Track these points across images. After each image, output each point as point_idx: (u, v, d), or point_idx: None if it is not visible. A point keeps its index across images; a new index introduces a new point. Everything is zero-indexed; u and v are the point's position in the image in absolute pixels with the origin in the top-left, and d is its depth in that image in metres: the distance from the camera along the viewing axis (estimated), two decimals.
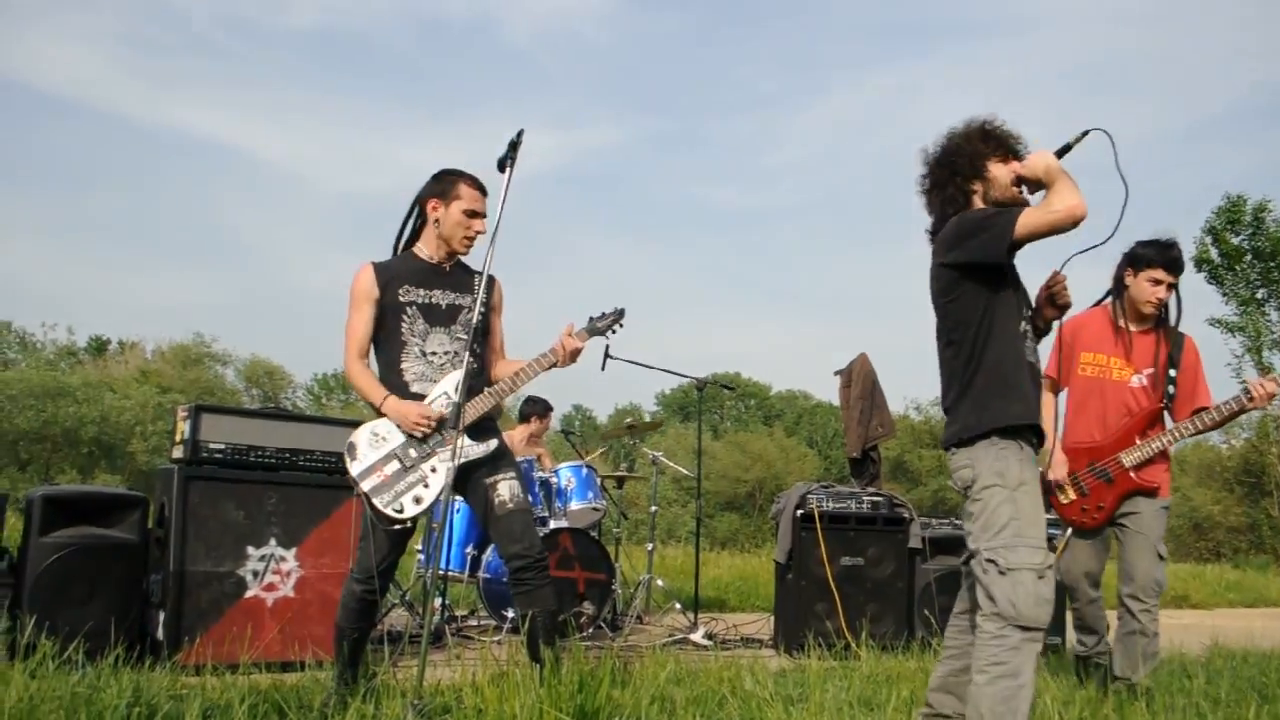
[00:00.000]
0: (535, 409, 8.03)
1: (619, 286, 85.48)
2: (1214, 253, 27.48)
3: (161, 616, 4.56)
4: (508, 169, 3.72)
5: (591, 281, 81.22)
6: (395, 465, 3.74)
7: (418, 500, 3.71)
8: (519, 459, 6.57)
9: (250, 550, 4.78)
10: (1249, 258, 27.07)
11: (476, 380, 3.83)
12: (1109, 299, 4.60)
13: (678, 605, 7.43)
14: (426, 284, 3.91)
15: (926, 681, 3.21)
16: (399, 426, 3.76)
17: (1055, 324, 3.47)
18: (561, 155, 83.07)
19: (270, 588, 4.80)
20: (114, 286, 68.07)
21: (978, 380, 3.21)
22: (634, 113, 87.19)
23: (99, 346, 44.79)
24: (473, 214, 3.90)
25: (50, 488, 4.65)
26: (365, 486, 3.69)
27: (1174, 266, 4.39)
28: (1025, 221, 3.06)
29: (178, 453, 4.88)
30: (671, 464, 8.60)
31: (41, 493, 4.56)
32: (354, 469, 3.72)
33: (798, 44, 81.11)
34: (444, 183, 3.92)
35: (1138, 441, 4.38)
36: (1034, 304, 3.40)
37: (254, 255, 74.94)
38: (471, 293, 3.96)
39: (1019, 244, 3.11)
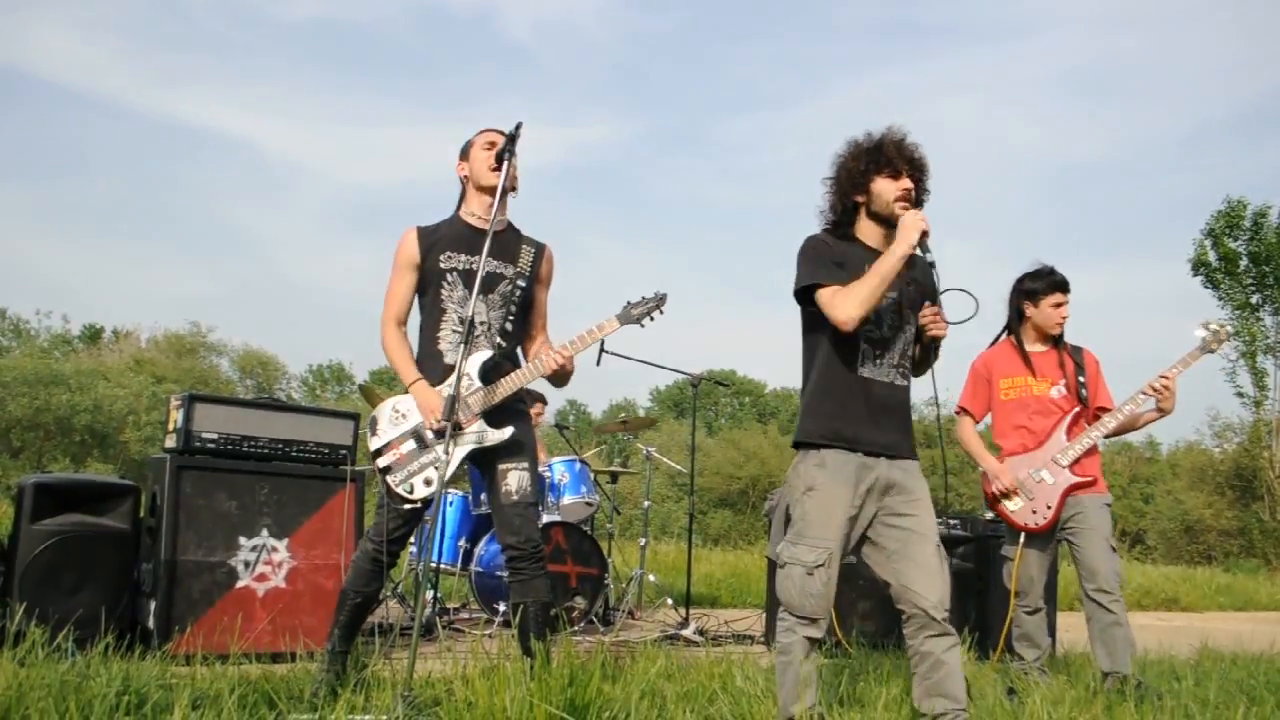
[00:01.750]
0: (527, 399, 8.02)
1: (615, 282, 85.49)
2: (1212, 256, 27.51)
3: (152, 605, 4.55)
4: (505, 161, 3.72)
5: (588, 277, 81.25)
6: (411, 444, 3.77)
7: (428, 482, 3.72)
8: None
9: (242, 540, 4.78)
10: (1245, 263, 27.11)
11: (509, 359, 3.89)
12: (1007, 334, 4.99)
13: (670, 601, 7.44)
14: (470, 249, 3.85)
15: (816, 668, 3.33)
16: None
17: (931, 350, 3.54)
18: (560, 151, 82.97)
19: (261, 578, 4.79)
20: (110, 275, 67.90)
21: (807, 389, 3.48)
22: (633, 109, 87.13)
23: (93, 334, 44.66)
24: (491, 144, 3.88)
25: (41, 475, 4.64)
26: (380, 463, 3.75)
27: (1065, 287, 4.81)
28: (821, 297, 3.30)
29: (170, 442, 4.87)
30: (665, 460, 8.61)
31: (33, 480, 4.55)
32: (373, 444, 3.77)
33: (798, 43, 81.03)
34: (463, 147, 3.97)
35: (1067, 441, 4.66)
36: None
37: (251, 245, 74.73)
38: (515, 263, 3.93)
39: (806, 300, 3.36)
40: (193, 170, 71.62)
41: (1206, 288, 27.76)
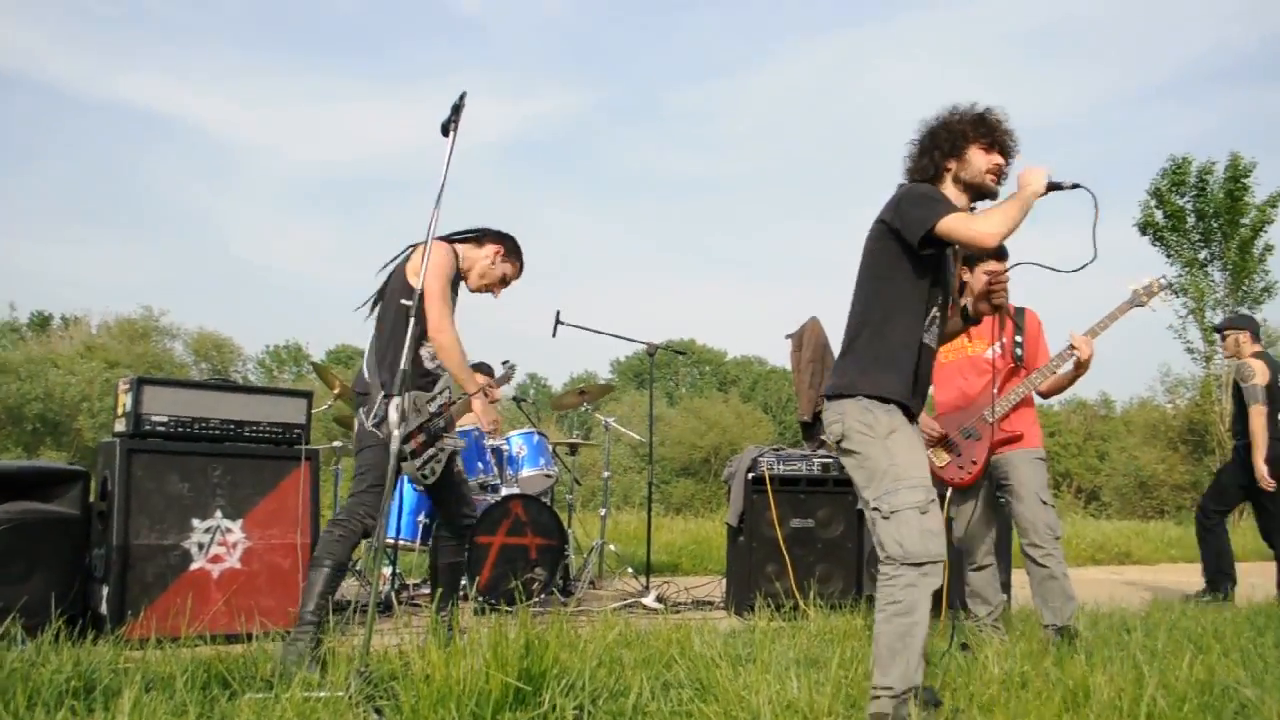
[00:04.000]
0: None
1: (572, 255, 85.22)
2: (1158, 215, 27.79)
3: (105, 591, 4.50)
4: (451, 132, 3.69)
5: (545, 250, 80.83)
6: (424, 436, 4.22)
7: (434, 471, 4.25)
8: (469, 427, 6.58)
9: (196, 522, 4.73)
10: (1192, 219, 27.41)
11: None
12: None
13: (630, 570, 7.46)
14: None
15: (870, 638, 3.27)
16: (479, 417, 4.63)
17: (974, 320, 3.68)
18: (514, 123, 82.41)
19: (216, 559, 4.75)
20: (57, 261, 66.76)
21: (864, 340, 3.38)
22: (587, 80, 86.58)
23: (42, 322, 43.92)
24: (504, 281, 4.64)
25: None
26: (406, 448, 4.11)
27: (1002, 255, 4.75)
28: (948, 222, 3.20)
29: (120, 426, 4.81)
30: (624, 430, 8.62)
31: None
32: (402, 430, 3.82)
33: (751, 11, 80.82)
34: (511, 250, 4.63)
35: (997, 398, 4.69)
36: (974, 294, 3.51)
37: (203, 227, 73.78)
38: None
39: (935, 239, 3.24)
40: (140, 153, 70.53)
41: (1155, 246, 28.08)
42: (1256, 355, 7.03)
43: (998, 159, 3.46)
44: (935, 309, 3.42)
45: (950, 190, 3.48)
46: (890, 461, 3.22)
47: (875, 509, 3.20)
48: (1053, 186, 3.32)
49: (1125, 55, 66.61)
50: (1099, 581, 7.72)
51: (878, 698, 3.02)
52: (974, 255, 4.86)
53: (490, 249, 4.54)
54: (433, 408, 4.26)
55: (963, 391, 4.82)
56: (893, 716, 2.99)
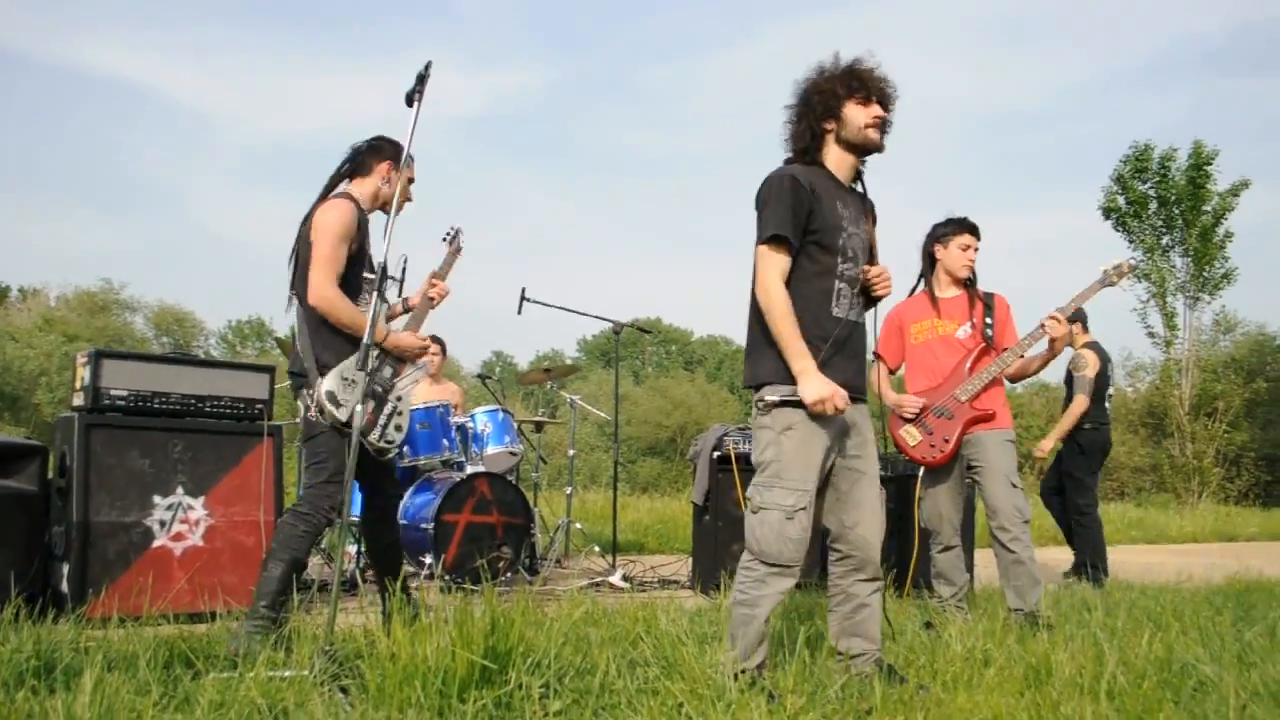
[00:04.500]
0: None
1: (539, 231, 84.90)
2: (1121, 201, 28.07)
3: (65, 569, 4.44)
4: (415, 103, 3.64)
5: (512, 226, 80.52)
6: (372, 403, 4.03)
7: (398, 428, 4.11)
8: (435, 403, 6.54)
9: (157, 499, 4.68)
10: (1154, 205, 27.72)
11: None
12: (920, 285, 5.08)
13: (596, 548, 7.47)
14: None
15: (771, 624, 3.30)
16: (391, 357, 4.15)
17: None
18: (481, 97, 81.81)
19: (178, 537, 4.70)
20: (13, 232, 65.61)
21: (760, 329, 3.35)
22: (555, 56, 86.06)
23: None
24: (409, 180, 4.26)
25: None
26: (362, 428, 3.77)
27: (975, 231, 4.91)
28: (763, 253, 3.28)
29: (78, 400, 4.73)
30: (590, 408, 8.62)
31: None
32: (343, 414, 3.82)
33: None
34: (398, 157, 4.21)
35: (969, 377, 4.72)
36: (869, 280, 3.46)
37: (164, 198, 72.83)
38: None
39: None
40: (102, 122, 69.42)
41: (1117, 231, 28.38)
42: (1089, 346, 7.30)
43: (876, 110, 3.36)
44: (842, 282, 3.35)
45: (834, 153, 3.43)
46: (774, 457, 3.25)
47: (748, 498, 3.28)
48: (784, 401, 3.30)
49: (1092, 43, 67.10)
50: (1061, 562, 7.82)
51: (712, 677, 3.10)
52: (947, 232, 4.88)
53: (379, 169, 4.21)
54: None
55: (934, 370, 4.82)
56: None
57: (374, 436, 4.01)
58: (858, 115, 3.36)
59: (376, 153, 4.23)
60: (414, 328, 4.32)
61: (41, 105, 67.98)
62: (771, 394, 3.27)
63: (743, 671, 3.13)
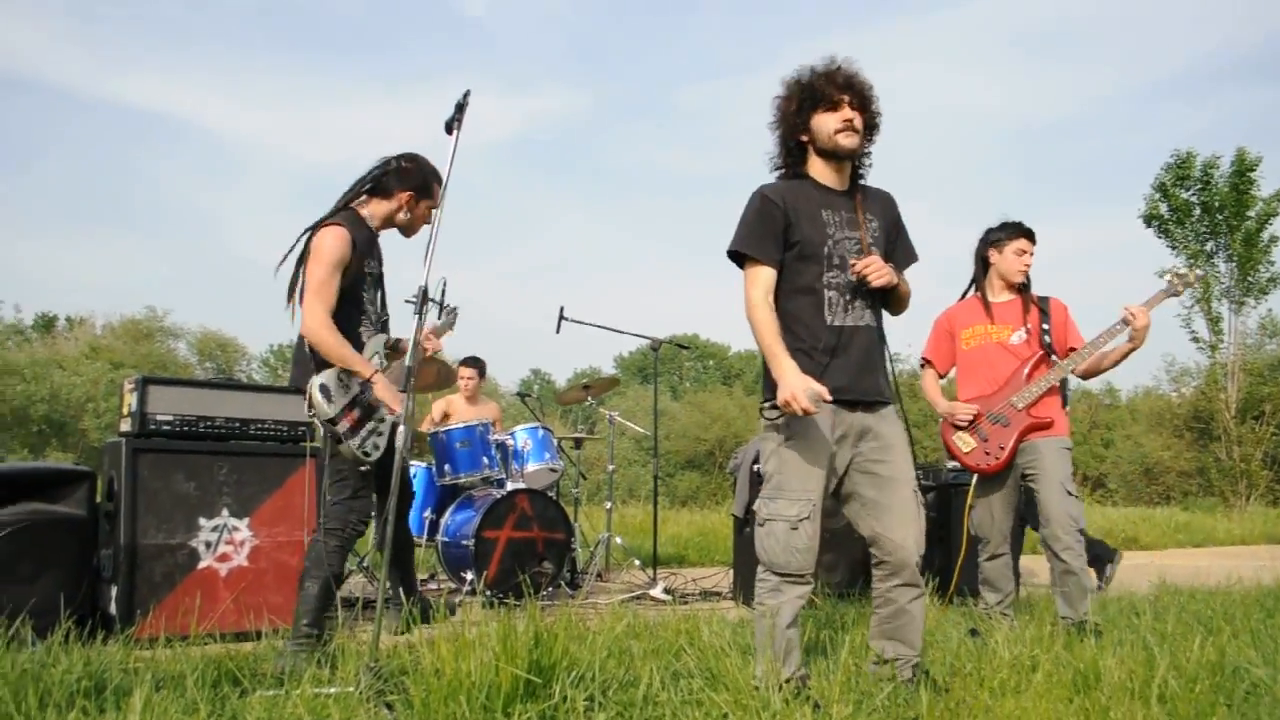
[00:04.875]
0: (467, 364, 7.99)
1: (576, 252, 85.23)
2: (1163, 208, 27.82)
3: (113, 591, 4.50)
4: (454, 131, 3.67)
5: (549, 247, 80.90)
6: (359, 411, 3.99)
7: (377, 446, 4.01)
8: (475, 421, 6.58)
9: (202, 521, 4.73)
10: (1197, 212, 27.44)
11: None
12: (973, 289, 4.99)
13: (637, 562, 7.46)
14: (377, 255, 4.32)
15: (801, 631, 3.30)
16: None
17: (888, 296, 3.49)
18: (517, 121, 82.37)
19: (224, 558, 4.76)
20: (61, 263, 66.75)
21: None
22: (591, 79, 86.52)
23: (46, 324, 43.90)
24: (430, 208, 4.34)
25: None
26: (339, 429, 3.90)
27: (1031, 236, 4.81)
28: (743, 259, 3.38)
29: (125, 425, 4.81)
30: (629, 424, 8.62)
31: None
32: (331, 410, 3.87)
33: (754, 9, 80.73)
34: (423, 185, 4.30)
35: (1026, 384, 4.62)
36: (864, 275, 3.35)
37: (207, 227, 73.82)
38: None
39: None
40: (143, 154, 70.58)
41: (1160, 238, 28.11)
42: None
43: (845, 113, 3.32)
44: (831, 291, 3.33)
45: (817, 163, 3.42)
46: (776, 468, 3.28)
47: (754, 510, 3.29)
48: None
49: (1130, 53, 66.40)
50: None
51: (756, 688, 3.08)
52: (1002, 236, 4.79)
53: (399, 198, 4.26)
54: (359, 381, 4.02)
55: (989, 378, 4.74)
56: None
57: (354, 443, 3.93)
58: (826, 123, 3.35)
59: (403, 180, 4.24)
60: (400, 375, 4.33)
61: (88, 138, 69.24)
62: (766, 407, 3.33)
63: (787, 681, 3.12)
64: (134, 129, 70.96)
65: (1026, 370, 4.66)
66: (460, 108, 3.67)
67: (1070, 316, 4.83)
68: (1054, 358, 4.71)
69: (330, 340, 3.94)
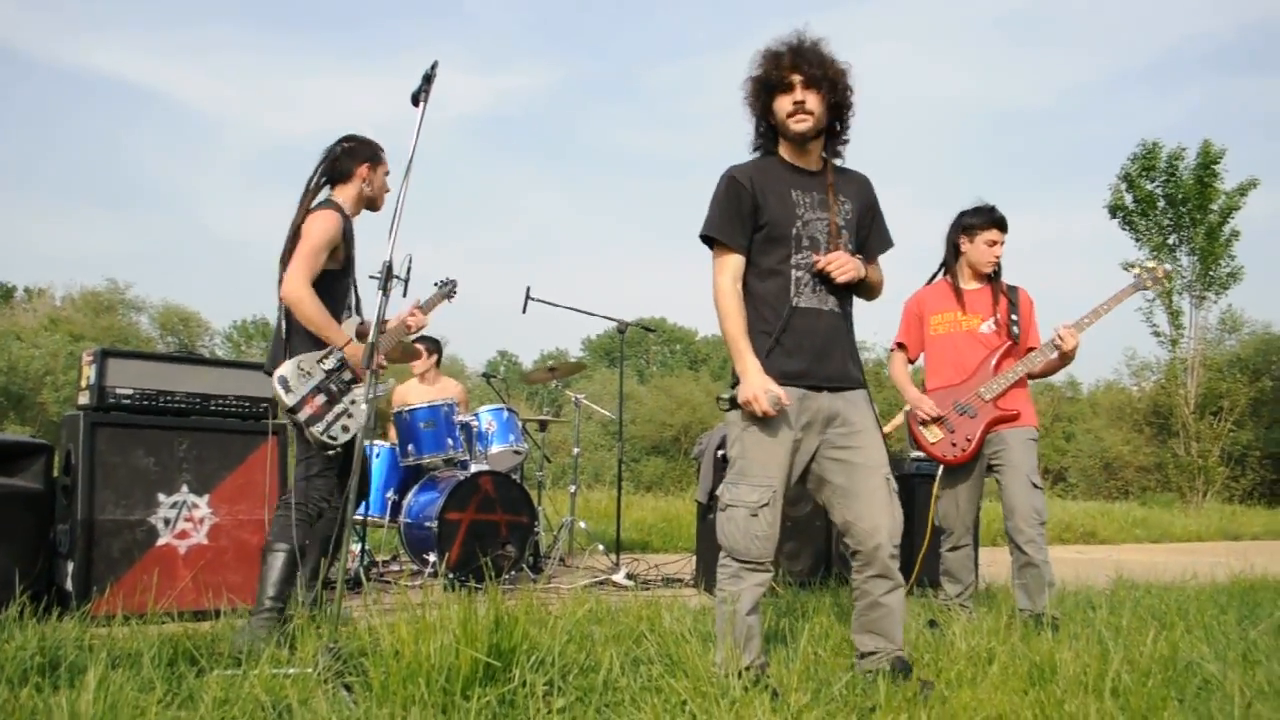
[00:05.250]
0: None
1: (543, 230, 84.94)
2: (1128, 199, 28.07)
3: (70, 567, 4.45)
4: (421, 102, 3.64)
5: (516, 226, 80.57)
6: (323, 397, 4.00)
7: (345, 429, 4.02)
8: (439, 401, 6.55)
9: (161, 498, 4.68)
10: (1161, 204, 27.71)
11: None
12: (942, 272, 4.97)
13: (600, 547, 7.47)
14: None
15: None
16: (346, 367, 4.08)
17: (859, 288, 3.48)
18: (486, 98, 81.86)
19: (183, 535, 4.71)
20: (19, 232, 65.73)
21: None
22: (561, 56, 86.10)
23: (4, 294, 43.30)
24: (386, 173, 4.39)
25: None
26: (300, 417, 3.93)
27: (1003, 225, 4.80)
28: (712, 242, 3.37)
29: (84, 398, 4.74)
30: (595, 406, 8.61)
31: None
32: (290, 400, 3.91)
33: None
34: (374, 156, 4.32)
35: (994, 375, 4.65)
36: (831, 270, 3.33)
37: (170, 199, 72.91)
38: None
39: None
40: (108, 123, 69.51)
41: (1124, 229, 28.39)
42: None
43: (794, 95, 3.28)
44: (799, 271, 3.31)
45: (787, 146, 3.41)
46: (740, 454, 3.28)
47: (717, 495, 3.31)
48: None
49: (1100, 41, 66.98)
50: (1065, 561, 7.82)
51: (715, 675, 3.09)
52: (974, 224, 4.78)
53: (359, 173, 4.26)
54: (327, 365, 4.04)
55: (957, 366, 4.74)
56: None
57: (317, 429, 3.96)
58: (781, 106, 3.32)
59: (352, 156, 4.26)
60: (385, 348, 4.32)
61: (46, 106, 68.12)
62: (725, 394, 3.33)
63: (746, 669, 3.13)
64: (99, 97, 69.98)
65: (994, 361, 4.67)
66: (428, 79, 3.63)
67: (1033, 311, 4.85)
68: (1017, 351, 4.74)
69: (310, 301, 3.97)
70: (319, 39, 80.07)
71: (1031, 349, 4.74)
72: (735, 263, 3.33)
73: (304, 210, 4.14)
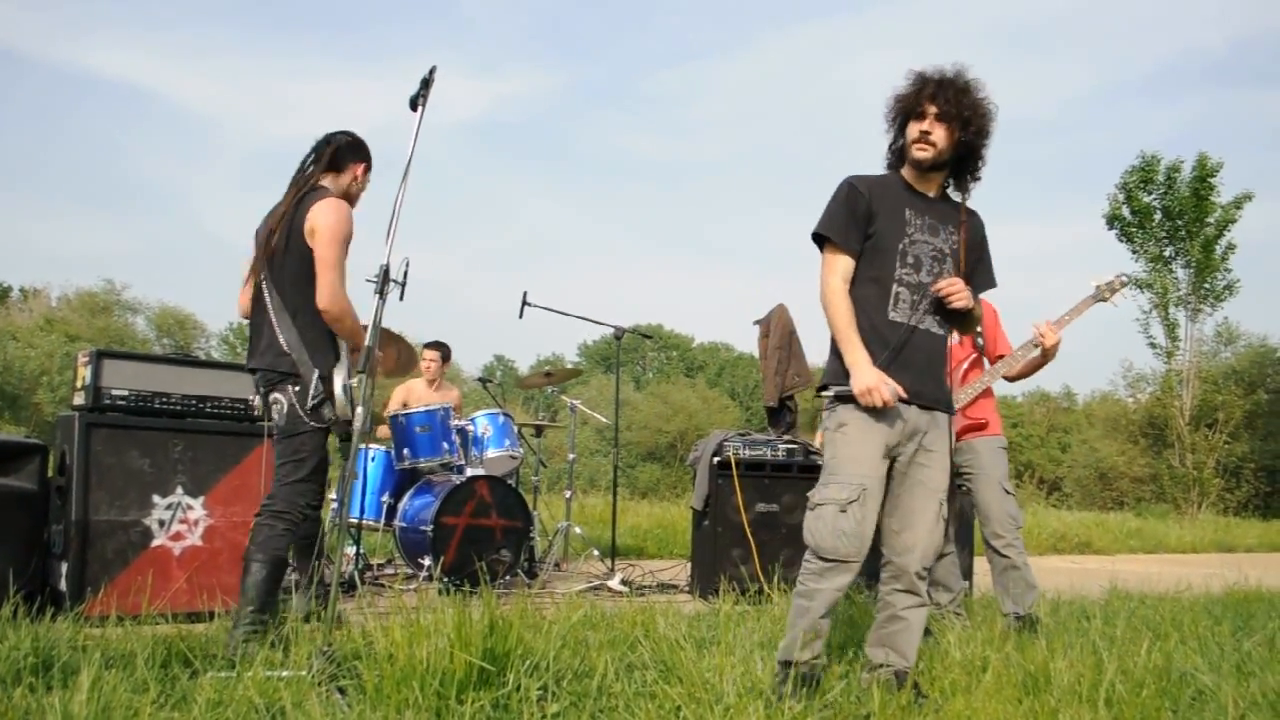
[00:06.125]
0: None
1: (540, 236, 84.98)
2: (1125, 211, 28.13)
3: (64, 567, 4.44)
4: (420, 107, 3.65)
5: (514, 231, 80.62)
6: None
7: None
8: (435, 405, 6.54)
9: (156, 499, 4.68)
10: (1159, 216, 27.77)
11: None
12: None
13: (595, 552, 7.46)
14: None
15: (838, 621, 3.31)
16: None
17: (963, 317, 3.47)
18: (484, 104, 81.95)
19: (177, 537, 4.70)
20: (16, 232, 65.58)
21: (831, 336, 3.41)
22: (559, 62, 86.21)
23: (0, 294, 43.23)
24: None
25: None
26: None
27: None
28: (824, 241, 3.40)
29: (79, 399, 4.74)
30: (591, 412, 8.62)
31: None
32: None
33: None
34: (366, 156, 4.23)
35: (960, 386, 4.69)
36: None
37: (168, 200, 72.86)
38: None
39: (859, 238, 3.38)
40: (105, 124, 69.47)
41: (1121, 241, 28.44)
42: None
43: (920, 125, 3.34)
44: (900, 287, 3.35)
45: (910, 170, 3.45)
46: (831, 455, 3.31)
47: (808, 496, 3.32)
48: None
49: (1100, 53, 67.16)
50: (1059, 571, 7.82)
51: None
52: None
53: (353, 170, 4.19)
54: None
55: None
56: (771, 682, 3.15)
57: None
58: (911, 131, 3.38)
59: (355, 152, 4.19)
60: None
61: (44, 106, 68.03)
62: (828, 392, 3.36)
63: (800, 663, 3.16)
64: (96, 98, 69.92)
65: (961, 371, 4.73)
66: (426, 84, 3.64)
67: (999, 320, 4.90)
68: (985, 361, 4.80)
69: (351, 315, 3.90)
70: (318, 42, 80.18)
71: (1001, 356, 4.77)
72: (845, 264, 3.38)
73: (296, 192, 4.00)
